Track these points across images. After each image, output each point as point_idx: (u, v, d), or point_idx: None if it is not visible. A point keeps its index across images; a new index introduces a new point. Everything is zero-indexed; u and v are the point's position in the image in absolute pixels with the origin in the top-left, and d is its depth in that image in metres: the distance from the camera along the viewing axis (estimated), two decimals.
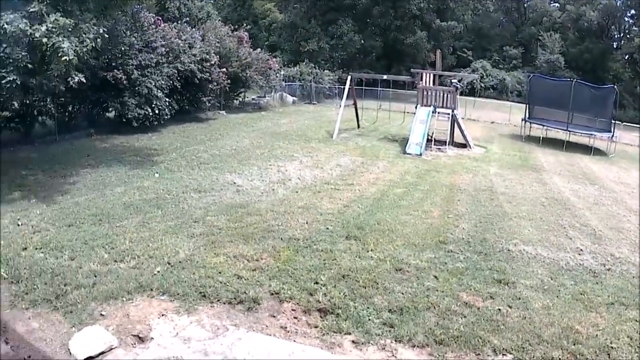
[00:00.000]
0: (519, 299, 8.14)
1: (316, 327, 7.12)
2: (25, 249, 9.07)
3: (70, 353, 6.31)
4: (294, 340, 6.83)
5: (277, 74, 36.18)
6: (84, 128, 21.64)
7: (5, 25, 12.75)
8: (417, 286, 8.27)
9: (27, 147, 18.48)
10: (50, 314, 7.14)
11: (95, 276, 8.14)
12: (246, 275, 8.41)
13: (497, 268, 9.21)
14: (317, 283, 8.18)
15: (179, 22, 27.52)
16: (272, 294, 7.89)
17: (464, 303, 7.86)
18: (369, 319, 7.28)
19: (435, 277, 8.65)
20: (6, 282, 7.93)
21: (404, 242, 10.12)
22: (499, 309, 7.76)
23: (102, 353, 6.33)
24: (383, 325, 7.16)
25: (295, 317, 7.36)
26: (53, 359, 6.20)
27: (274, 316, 7.36)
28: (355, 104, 26.80)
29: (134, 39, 21.60)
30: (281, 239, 10.05)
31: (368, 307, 7.56)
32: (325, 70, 46.93)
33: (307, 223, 11.12)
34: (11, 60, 13.44)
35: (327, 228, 10.82)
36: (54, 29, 13.03)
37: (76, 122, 21.95)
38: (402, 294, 8.00)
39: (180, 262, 8.80)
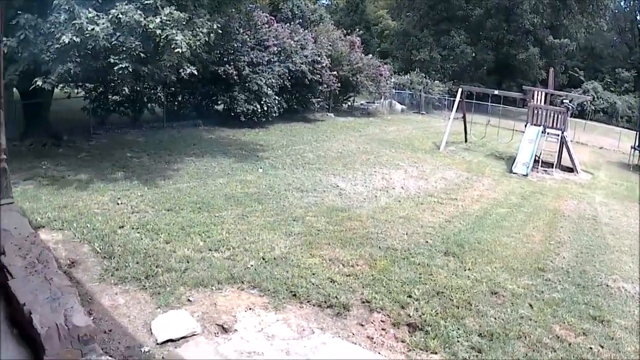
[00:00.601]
0: (612, 339, 7.50)
1: (403, 341, 6.79)
2: (122, 227, 9.21)
3: (151, 333, 6.28)
4: (379, 353, 6.53)
5: (388, 81, 35.83)
6: (191, 118, 22.16)
7: (120, 15, 13.12)
8: (511, 312, 7.79)
9: (134, 131, 19.01)
10: (138, 292, 7.17)
11: (188, 262, 8.15)
12: (339, 279, 8.19)
13: (594, 303, 8.54)
14: (410, 297, 7.85)
15: (292, 23, 27.73)
16: (363, 302, 7.62)
17: (556, 336, 7.33)
18: (458, 341, 6.89)
19: (530, 305, 8.13)
20: (98, 256, 8.06)
21: (502, 265, 9.61)
22: (591, 347, 7.18)
23: (184, 338, 6.26)
24: (471, 349, 6.75)
25: (383, 329, 7.05)
26: (133, 336, 6.18)
27: (362, 325, 7.09)
28: (464, 117, 26.15)
29: (246, 36, 22.00)
30: (379, 247, 9.76)
31: (458, 328, 7.16)
32: (436, 81, 46.15)
33: (406, 234, 10.79)
34: (124, 49, 13.83)
35: (427, 242, 10.44)
36: (167, 22, 13.34)
37: (185, 112, 22.52)
38: (495, 318, 7.55)
39: (274, 258, 8.69)
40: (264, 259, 8.64)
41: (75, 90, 18.33)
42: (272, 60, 23.15)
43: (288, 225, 10.44)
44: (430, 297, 7.94)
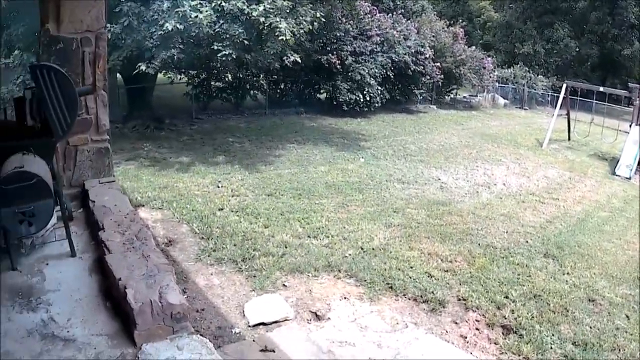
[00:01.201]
0: None
1: (496, 343, 6.49)
2: (222, 209, 9.30)
3: (243, 315, 6.26)
4: (471, 353, 6.26)
5: (491, 75, 34.91)
6: (293, 106, 22.32)
7: (223, 3, 13.28)
8: (607, 322, 7.28)
9: (236, 117, 19.31)
10: (233, 274, 7.17)
11: (286, 247, 8.11)
12: (437, 275, 7.94)
13: None
14: (507, 297, 7.51)
15: (394, 13, 27.37)
16: (459, 300, 7.36)
17: None
18: (551, 348, 6.49)
19: (627, 316, 7.58)
20: (196, 237, 8.14)
21: (601, 271, 9.03)
22: None
23: (276, 322, 6.22)
24: (564, 357, 6.36)
25: (477, 329, 6.77)
26: (225, 316, 6.16)
27: (457, 323, 6.83)
28: (568, 114, 25.01)
29: (349, 26, 21.94)
30: (478, 244, 9.43)
31: (553, 335, 6.75)
32: (539, 76, 44.55)
33: (506, 232, 10.40)
34: (228, 36, 14.02)
35: (527, 241, 10.02)
36: (271, 10, 13.43)
37: (287, 100, 22.74)
38: (590, 327, 7.07)
39: (373, 249, 8.54)
40: (362, 248, 8.51)
41: (178, 77, 18.83)
42: (375, 50, 23.00)
43: (388, 217, 10.25)
44: (527, 299, 7.57)
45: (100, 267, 5.19)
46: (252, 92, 21.43)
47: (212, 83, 20.13)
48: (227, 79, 20.18)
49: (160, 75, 17.65)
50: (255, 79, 20.80)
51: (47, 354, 3.98)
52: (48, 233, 5.71)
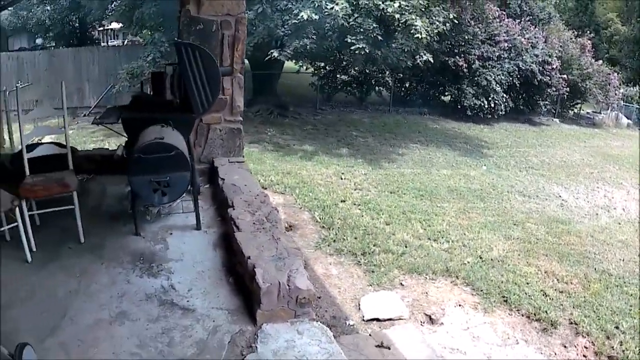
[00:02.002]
0: None
1: None
2: (344, 201, 9.29)
3: (359, 308, 6.22)
4: None
5: (616, 92, 33.15)
6: (417, 106, 22.06)
7: None
8: None
9: (360, 111, 19.31)
10: (352, 266, 7.14)
11: (406, 247, 8.00)
12: (552, 294, 7.63)
13: None
14: (617, 328, 7.08)
15: (521, 19, 26.48)
16: (571, 323, 7.03)
17: None
18: None
19: None
20: (317, 225, 8.16)
21: None
22: None
23: (390, 319, 6.17)
24: None
25: (584, 356, 6.48)
26: (340, 307, 6.14)
27: (565, 347, 6.56)
28: None
29: (477, 29, 21.37)
30: (595, 269, 8.95)
31: None
32: None
33: (623, 260, 9.78)
34: (362, 30, 13.96)
35: None
36: (406, 7, 13.29)
37: (411, 99, 22.52)
38: None
39: (491, 259, 8.31)
40: (480, 257, 8.29)
41: (304, 67, 18.95)
42: (502, 56, 22.36)
43: (508, 229, 9.93)
44: (636, 332, 7.13)
45: (226, 243, 5.27)
46: (377, 88, 21.37)
47: (337, 76, 20.24)
48: (352, 73, 20.23)
49: (286, 64, 17.89)
50: (380, 75, 20.72)
51: (164, 319, 4.07)
52: (175, 204, 5.86)
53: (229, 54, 6.96)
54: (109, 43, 34.21)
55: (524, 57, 22.97)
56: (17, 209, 4.73)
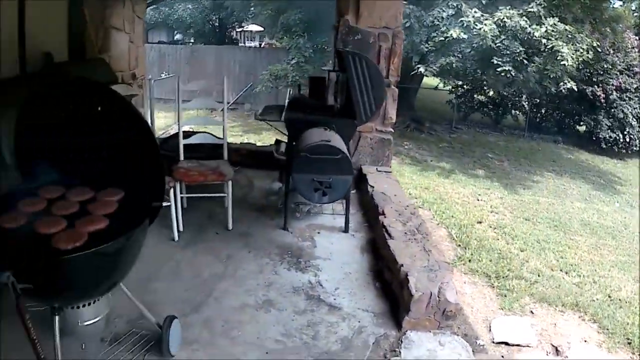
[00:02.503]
0: None
1: None
2: (480, 222, 9.26)
3: (489, 330, 6.21)
4: None
5: None
6: (551, 133, 21.40)
7: (505, 19, 13.13)
8: None
9: (495, 134, 19.04)
10: (484, 288, 7.12)
11: (538, 275, 7.87)
12: None
13: None
14: None
15: None
16: None
17: None
18: None
19: None
20: (453, 243, 8.18)
21: None
22: None
23: (518, 345, 6.09)
24: None
25: None
26: (472, 325, 6.17)
27: None
28: None
29: (616, 58, 20.40)
30: None
31: None
32: None
33: None
34: (508, 52, 13.82)
35: None
36: (552, 32, 13.05)
37: (545, 125, 21.85)
38: None
39: (619, 299, 7.95)
40: (609, 296, 7.94)
41: (442, 84, 18.90)
42: None
43: (638, 271, 9.56)
44: None
45: (373, 248, 5.44)
46: (513, 111, 21.01)
47: (474, 96, 20.07)
48: (489, 94, 20.00)
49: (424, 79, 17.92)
50: (517, 98, 20.37)
51: (311, 313, 4.24)
52: (323, 205, 6.08)
53: (384, 66, 7.13)
54: (246, 44, 35.28)
55: None
56: (171, 189, 5.09)
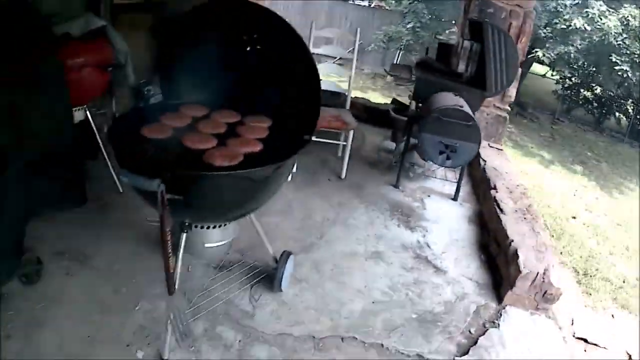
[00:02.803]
0: None
1: None
2: (574, 218, 9.12)
3: (572, 323, 6.18)
4: None
5: None
6: None
7: (629, 17, 12.73)
8: None
9: (595, 133, 18.49)
10: (572, 283, 6.97)
11: (624, 282, 7.57)
12: None
13: None
14: None
15: None
16: None
17: None
18: None
19: None
20: (546, 231, 8.10)
21: None
22: None
23: (595, 345, 5.88)
24: None
25: None
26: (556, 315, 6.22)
27: None
28: None
29: None
30: None
31: None
32: None
33: None
34: (628, 52, 13.43)
35: None
36: None
37: None
38: None
39: None
40: None
41: (551, 73, 18.42)
42: None
43: None
44: None
45: (480, 220, 5.51)
46: (616, 114, 20.34)
47: (581, 90, 19.50)
48: (595, 91, 19.39)
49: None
50: (622, 101, 19.68)
51: (417, 272, 4.35)
52: (435, 170, 6.14)
53: None
54: (356, 1, 35.00)
55: None
56: None
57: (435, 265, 4.50)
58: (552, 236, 8.01)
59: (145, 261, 3.78)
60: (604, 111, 19.91)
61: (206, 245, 3.11)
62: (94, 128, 4.48)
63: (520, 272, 4.01)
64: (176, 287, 2.78)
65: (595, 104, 19.67)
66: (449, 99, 5.05)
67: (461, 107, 4.81)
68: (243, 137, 2.99)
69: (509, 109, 7.41)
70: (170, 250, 2.52)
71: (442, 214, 5.47)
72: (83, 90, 4.09)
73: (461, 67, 5.81)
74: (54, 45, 3.55)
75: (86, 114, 4.33)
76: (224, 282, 3.67)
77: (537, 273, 4.03)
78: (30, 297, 3.29)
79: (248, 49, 3.42)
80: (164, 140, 2.84)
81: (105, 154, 4.63)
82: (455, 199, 5.86)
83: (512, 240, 4.40)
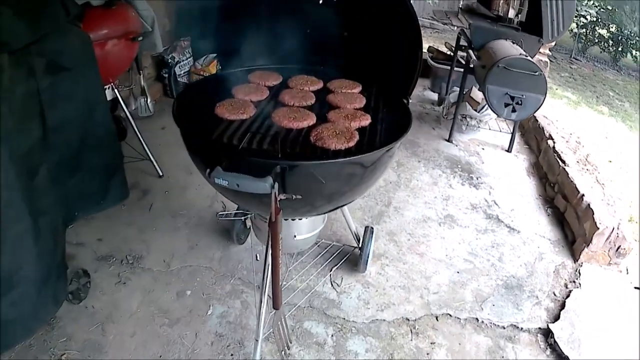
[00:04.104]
0: None
1: None
2: (610, 162, 8.96)
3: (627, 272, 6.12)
4: None
5: None
6: None
7: None
8: None
9: (613, 72, 18.23)
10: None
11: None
12: None
13: None
14: None
15: None
16: None
17: None
18: None
19: None
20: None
21: None
22: None
23: None
24: None
25: None
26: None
27: None
28: None
29: None
30: None
31: None
32: None
33: None
34: None
35: None
36: None
37: None
38: None
39: None
40: None
41: None
42: None
43: None
44: None
45: (539, 172, 5.37)
46: (633, 51, 20.09)
47: (596, 28, 19.18)
48: (611, 29, 19.06)
49: None
50: (638, 38, 19.40)
51: (492, 233, 4.22)
52: (487, 121, 5.95)
53: None
54: None
55: None
56: None
57: (507, 225, 4.37)
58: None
59: (204, 253, 3.55)
60: (620, 49, 19.68)
61: (297, 237, 2.82)
62: (124, 107, 4.11)
63: (597, 228, 3.87)
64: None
65: (611, 42, 19.44)
66: (509, 48, 4.82)
67: (527, 56, 4.58)
68: (343, 108, 2.57)
69: (550, 53, 7.16)
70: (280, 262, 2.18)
71: (501, 168, 5.32)
72: (110, 65, 3.65)
73: (511, 13, 5.58)
74: (78, 15, 2.88)
75: (114, 93, 3.94)
76: (302, 271, 3.45)
77: (613, 228, 3.89)
78: (81, 317, 2.95)
79: (321, 1, 3.02)
80: (250, 121, 2.39)
81: (138, 133, 4.24)
82: (509, 150, 5.72)
83: (583, 195, 4.24)
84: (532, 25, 5.28)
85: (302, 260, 3.52)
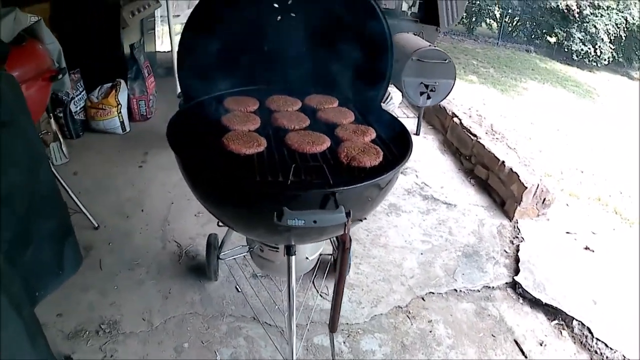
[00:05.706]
0: None
1: None
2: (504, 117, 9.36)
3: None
4: None
5: None
6: (522, 42, 21.81)
7: None
8: None
9: (470, 41, 19.24)
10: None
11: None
12: None
13: None
14: None
15: None
16: None
17: None
18: None
19: None
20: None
21: None
22: None
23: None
24: None
25: None
26: None
27: None
28: None
29: None
30: None
31: None
32: None
33: None
34: None
35: None
36: None
37: (517, 35, 22.23)
38: None
39: None
40: None
41: None
42: (611, 6, 21.74)
43: None
44: None
45: (450, 149, 5.82)
46: (487, 20, 21.27)
47: None
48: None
49: None
50: (489, 7, 20.58)
51: (435, 212, 4.58)
52: (393, 109, 6.31)
53: None
54: None
55: (631, 10, 22.40)
56: None
57: (444, 202, 4.76)
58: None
59: (182, 300, 3.27)
60: (474, 19, 20.79)
61: (309, 258, 2.76)
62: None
63: (525, 187, 4.36)
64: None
65: (465, 14, 20.45)
66: (415, 40, 5.23)
67: (435, 46, 5.01)
68: (341, 125, 2.47)
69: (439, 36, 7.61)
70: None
71: (416, 151, 5.56)
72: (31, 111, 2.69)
73: (404, 6, 5.94)
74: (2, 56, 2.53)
75: None
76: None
77: (537, 185, 4.38)
78: None
79: (279, 18, 2.83)
80: (268, 152, 2.18)
81: (64, 184, 3.70)
82: (417, 133, 6.09)
83: (504, 162, 4.73)
84: (429, 16, 5.67)
85: (283, 280, 3.34)
